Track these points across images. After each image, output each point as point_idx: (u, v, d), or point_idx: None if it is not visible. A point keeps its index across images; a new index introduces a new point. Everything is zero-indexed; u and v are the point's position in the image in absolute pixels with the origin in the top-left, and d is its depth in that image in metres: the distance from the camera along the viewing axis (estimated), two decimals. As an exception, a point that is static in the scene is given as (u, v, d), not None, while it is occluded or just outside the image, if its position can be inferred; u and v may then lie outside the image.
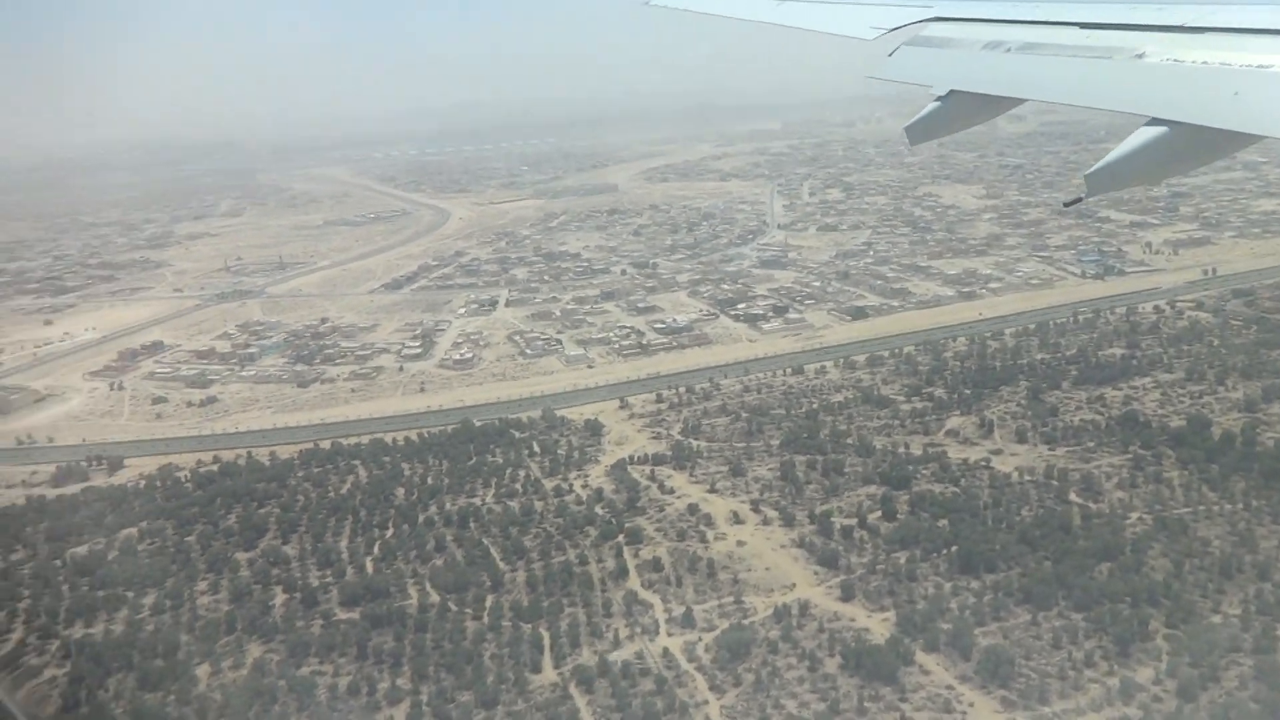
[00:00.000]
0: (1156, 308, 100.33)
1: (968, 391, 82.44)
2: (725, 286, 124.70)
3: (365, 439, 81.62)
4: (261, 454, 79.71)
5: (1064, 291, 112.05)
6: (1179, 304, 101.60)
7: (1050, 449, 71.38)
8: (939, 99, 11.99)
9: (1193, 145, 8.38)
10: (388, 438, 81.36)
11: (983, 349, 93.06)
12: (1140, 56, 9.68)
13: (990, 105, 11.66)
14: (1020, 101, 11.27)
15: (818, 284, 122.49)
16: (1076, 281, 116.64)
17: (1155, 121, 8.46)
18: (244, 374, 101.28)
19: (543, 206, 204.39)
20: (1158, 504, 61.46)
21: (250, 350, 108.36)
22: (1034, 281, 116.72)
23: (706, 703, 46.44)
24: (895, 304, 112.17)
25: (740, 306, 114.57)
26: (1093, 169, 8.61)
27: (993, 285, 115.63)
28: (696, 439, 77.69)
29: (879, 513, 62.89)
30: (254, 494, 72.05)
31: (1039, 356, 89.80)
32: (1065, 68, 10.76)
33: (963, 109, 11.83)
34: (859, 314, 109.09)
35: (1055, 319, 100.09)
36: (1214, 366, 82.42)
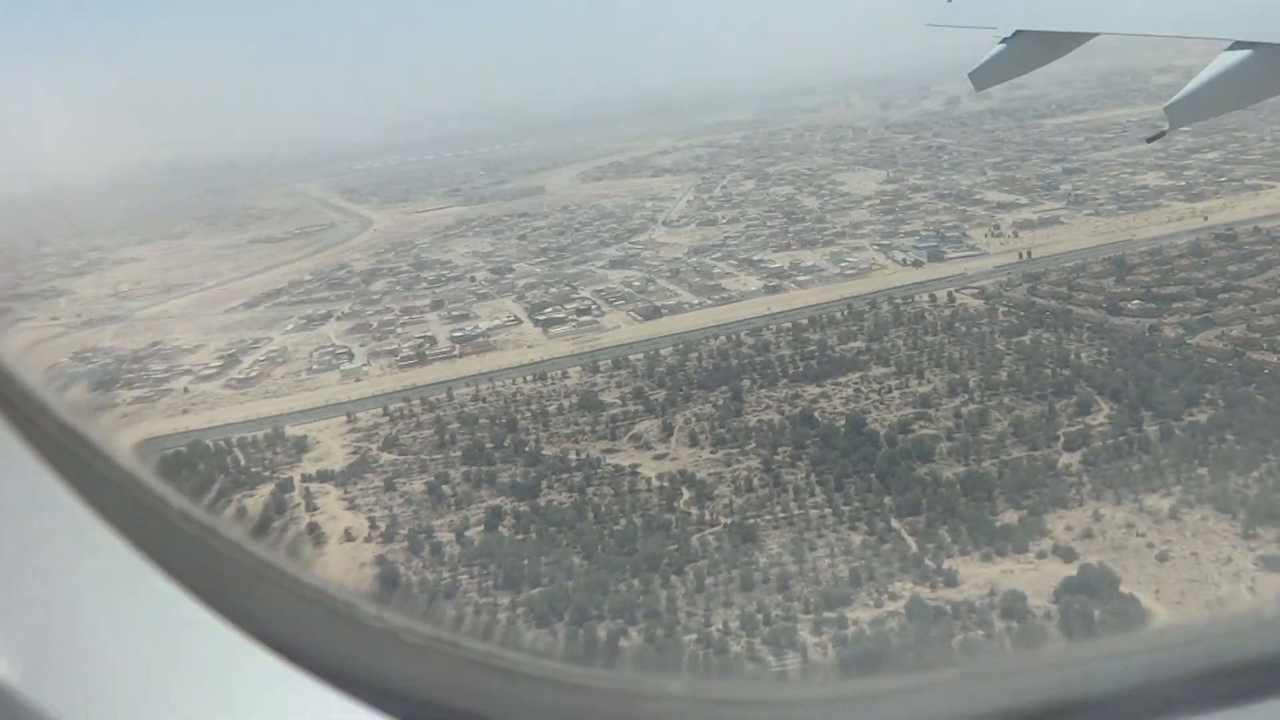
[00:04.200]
0: (933, 296, 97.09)
1: (683, 393, 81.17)
2: (552, 290, 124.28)
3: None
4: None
5: (871, 282, 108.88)
6: (965, 291, 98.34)
7: (712, 452, 69.98)
8: (1003, 41, 11.44)
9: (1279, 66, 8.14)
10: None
11: (736, 347, 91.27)
12: None
13: (1058, 43, 11.13)
14: (1090, 36, 10.60)
15: (640, 284, 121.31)
16: (894, 270, 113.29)
17: (1238, 45, 8.14)
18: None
19: (461, 214, 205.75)
20: (751, 510, 59.95)
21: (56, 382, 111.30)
22: (849, 272, 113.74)
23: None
24: (697, 301, 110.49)
25: (548, 310, 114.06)
26: (1173, 100, 8.38)
27: (801, 279, 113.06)
28: (390, 452, 77.93)
29: (481, 527, 62.46)
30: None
31: (783, 353, 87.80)
32: None
33: (1029, 49, 11.26)
34: (654, 314, 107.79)
35: (832, 312, 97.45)
36: (932, 359, 79.73)
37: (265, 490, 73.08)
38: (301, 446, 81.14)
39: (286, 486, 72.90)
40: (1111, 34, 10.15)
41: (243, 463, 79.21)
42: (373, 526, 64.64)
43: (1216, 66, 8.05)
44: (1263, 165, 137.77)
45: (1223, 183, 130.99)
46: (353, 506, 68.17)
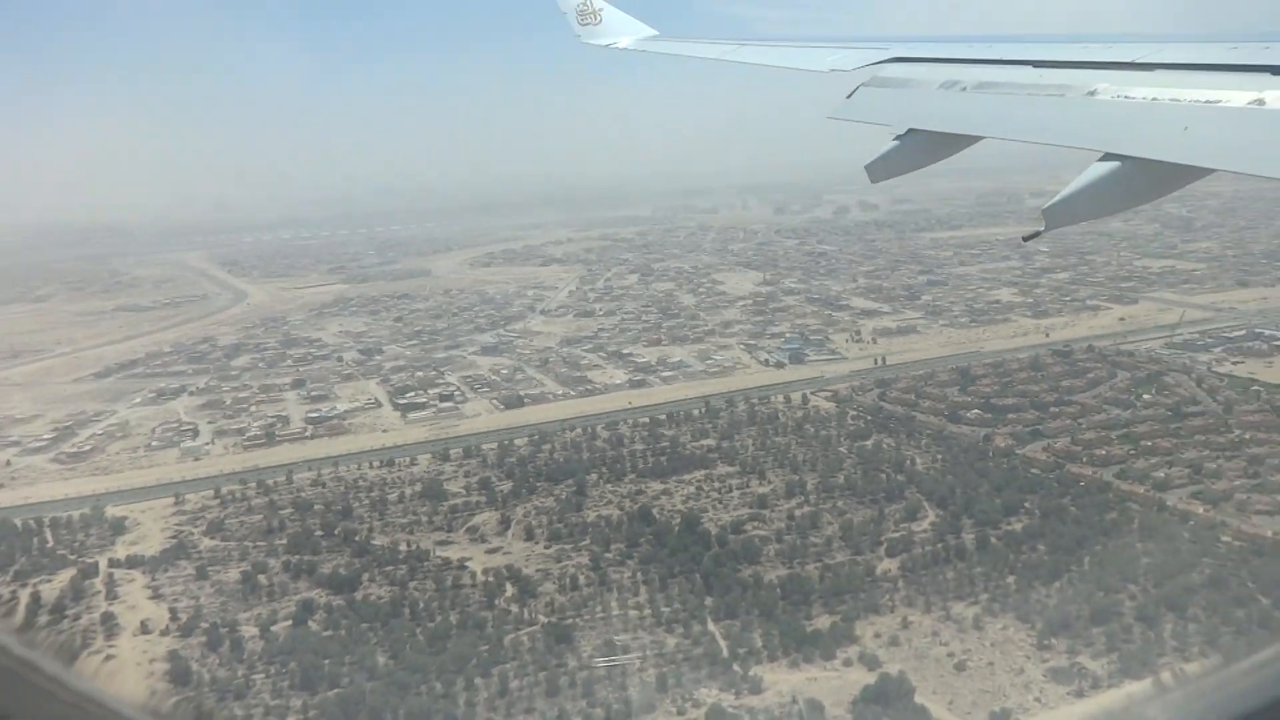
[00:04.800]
0: (788, 397, 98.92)
1: (529, 485, 79.89)
2: (418, 374, 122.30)
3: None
4: None
5: (732, 381, 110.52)
6: (820, 394, 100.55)
7: (546, 547, 68.63)
8: (897, 138, 12.11)
9: (1145, 179, 8.54)
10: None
11: (590, 440, 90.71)
12: (1092, 94, 9.91)
13: (947, 143, 11.83)
14: (976, 139, 11.42)
15: (508, 372, 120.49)
16: (757, 369, 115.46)
17: (1109, 156, 8.64)
18: None
19: (342, 292, 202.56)
20: (571, 609, 58.66)
21: None
22: (714, 370, 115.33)
23: None
24: (561, 392, 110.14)
25: (410, 395, 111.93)
26: (1049, 204, 8.74)
27: (666, 374, 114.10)
28: (212, 538, 74.03)
29: (290, 622, 59.37)
30: None
31: (635, 448, 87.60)
32: (1019, 106, 11.10)
33: (920, 147, 11.97)
34: (516, 403, 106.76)
35: (690, 409, 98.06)
36: (777, 460, 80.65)
37: (65, 576, 68.14)
38: (119, 528, 76.38)
39: (90, 572, 68.10)
40: (995, 139, 11.03)
41: (49, 544, 73.96)
42: (173, 618, 60.68)
43: (1089, 175, 8.73)
44: (1104, 288, 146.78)
45: (1067, 302, 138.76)
46: (157, 596, 64.05)
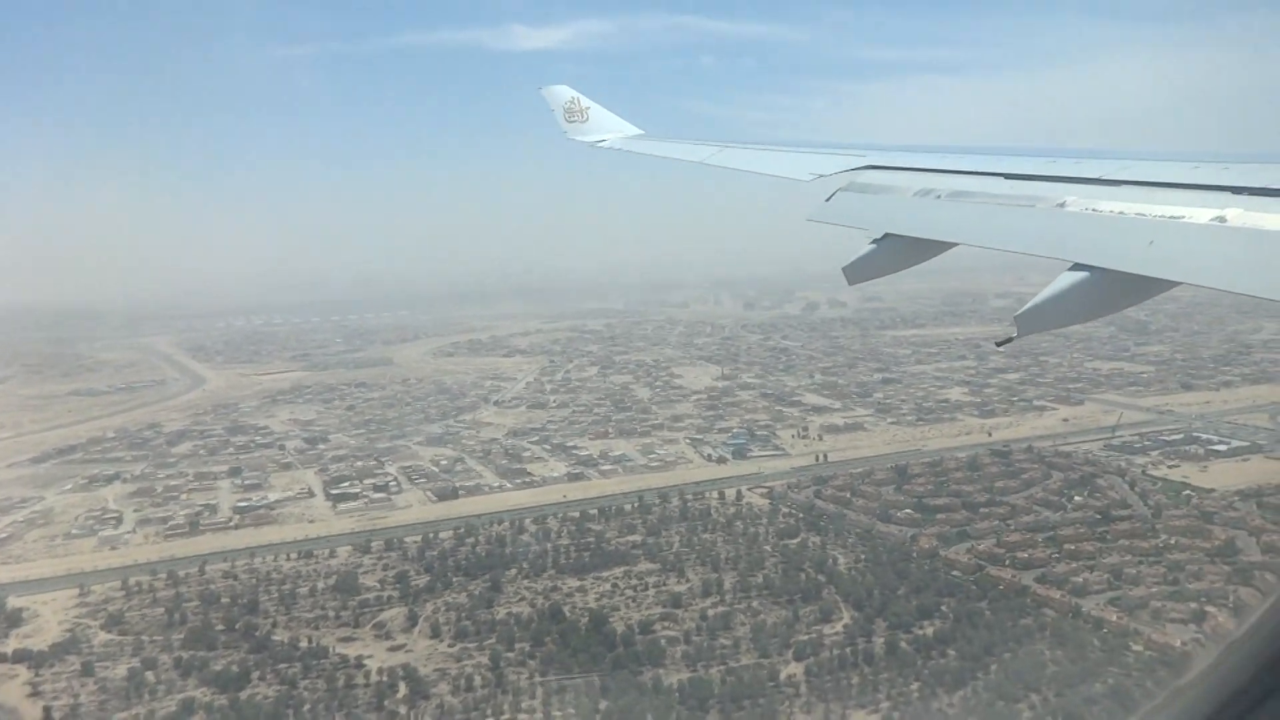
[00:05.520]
0: (723, 494, 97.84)
1: (444, 580, 77.97)
2: (358, 464, 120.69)
3: None
4: None
5: (672, 475, 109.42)
6: (756, 490, 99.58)
7: (450, 645, 66.58)
8: (874, 242, 12.43)
9: (1113, 289, 8.78)
10: None
11: (517, 534, 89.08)
12: (1061, 206, 10.20)
13: (922, 248, 12.13)
14: (951, 245, 11.73)
15: (448, 462, 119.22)
16: (699, 464, 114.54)
17: (1078, 266, 8.90)
18: None
19: (300, 379, 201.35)
20: (461, 712, 56.55)
21: None
22: (654, 464, 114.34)
23: None
24: (498, 484, 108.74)
25: (344, 485, 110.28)
26: (1021, 310, 8.99)
27: (606, 467, 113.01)
28: (110, 631, 71.48)
29: (166, 722, 56.89)
30: None
31: (561, 542, 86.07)
32: (992, 215, 11.49)
33: (896, 251, 12.27)
34: (450, 494, 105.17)
35: (623, 504, 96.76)
36: (700, 557, 79.21)
37: (-51, 670, 65.50)
38: (15, 620, 73.68)
39: (-27, 666, 65.52)
40: (969, 245, 11.37)
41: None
42: (47, 718, 58.05)
43: (1058, 284, 8.96)
44: (1053, 388, 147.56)
45: (1014, 402, 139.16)
46: (36, 694, 61.39)
